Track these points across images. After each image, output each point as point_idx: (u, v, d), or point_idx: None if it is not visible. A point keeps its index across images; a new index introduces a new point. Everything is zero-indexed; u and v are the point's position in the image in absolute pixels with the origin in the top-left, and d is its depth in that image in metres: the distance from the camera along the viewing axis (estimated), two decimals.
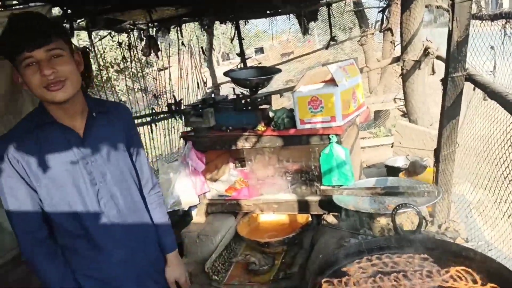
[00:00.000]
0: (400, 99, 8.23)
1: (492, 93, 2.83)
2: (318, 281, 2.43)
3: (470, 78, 3.31)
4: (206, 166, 4.31)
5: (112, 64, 11.86)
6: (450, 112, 3.45)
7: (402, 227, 3.17)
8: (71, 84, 1.72)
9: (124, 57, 7.97)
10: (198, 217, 4.48)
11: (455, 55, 3.32)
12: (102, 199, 1.89)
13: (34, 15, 1.69)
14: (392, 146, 6.40)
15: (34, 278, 1.86)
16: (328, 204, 4.09)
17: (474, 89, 3.53)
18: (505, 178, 3.39)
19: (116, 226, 1.93)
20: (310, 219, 4.47)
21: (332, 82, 4.02)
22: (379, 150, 8.53)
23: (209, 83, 10.18)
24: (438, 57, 5.27)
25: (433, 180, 3.71)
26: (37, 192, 1.80)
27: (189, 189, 4.11)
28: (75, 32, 5.76)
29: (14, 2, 4.11)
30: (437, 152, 3.62)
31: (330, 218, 4.26)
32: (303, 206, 4.34)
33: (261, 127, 4.11)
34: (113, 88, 9.14)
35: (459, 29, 3.14)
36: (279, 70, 4.83)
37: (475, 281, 2.23)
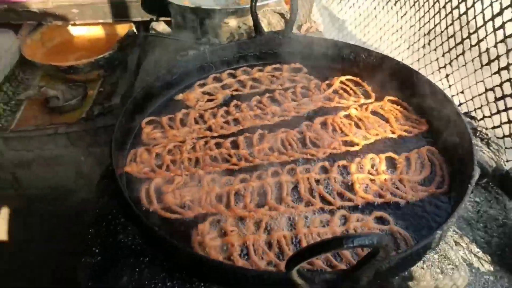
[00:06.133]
0: None
1: None
2: (136, 123, 1.43)
3: None
4: None
5: None
6: None
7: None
8: None
9: None
10: None
11: None
12: None
13: None
14: None
15: None
16: (157, 4, 2.85)
17: None
18: None
19: None
20: (134, 29, 3.22)
21: None
22: None
23: None
24: None
25: None
26: None
27: None
28: None
29: None
30: None
31: (161, 26, 3.07)
32: (121, 11, 3.02)
33: None
34: None
35: None
36: None
37: (367, 95, 1.54)
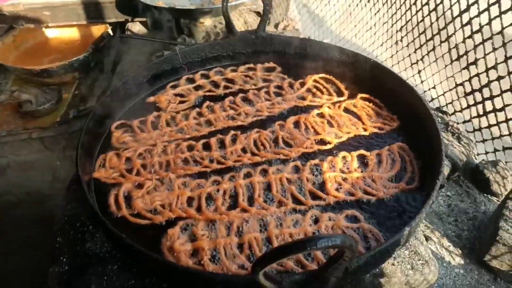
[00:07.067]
0: None
1: None
2: (106, 127, 1.40)
3: None
4: None
5: None
6: None
7: None
8: None
9: None
10: None
11: None
12: None
13: None
14: None
15: None
16: (131, 5, 2.80)
17: None
18: None
19: None
20: (109, 30, 3.15)
21: None
22: None
23: None
24: None
25: None
26: None
27: None
28: None
29: None
30: None
31: (136, 27, 3.03)
32: (94, 12, 2.96)
33: None
34: None
35: None
36: None
37: (340, 93, 1.54)
